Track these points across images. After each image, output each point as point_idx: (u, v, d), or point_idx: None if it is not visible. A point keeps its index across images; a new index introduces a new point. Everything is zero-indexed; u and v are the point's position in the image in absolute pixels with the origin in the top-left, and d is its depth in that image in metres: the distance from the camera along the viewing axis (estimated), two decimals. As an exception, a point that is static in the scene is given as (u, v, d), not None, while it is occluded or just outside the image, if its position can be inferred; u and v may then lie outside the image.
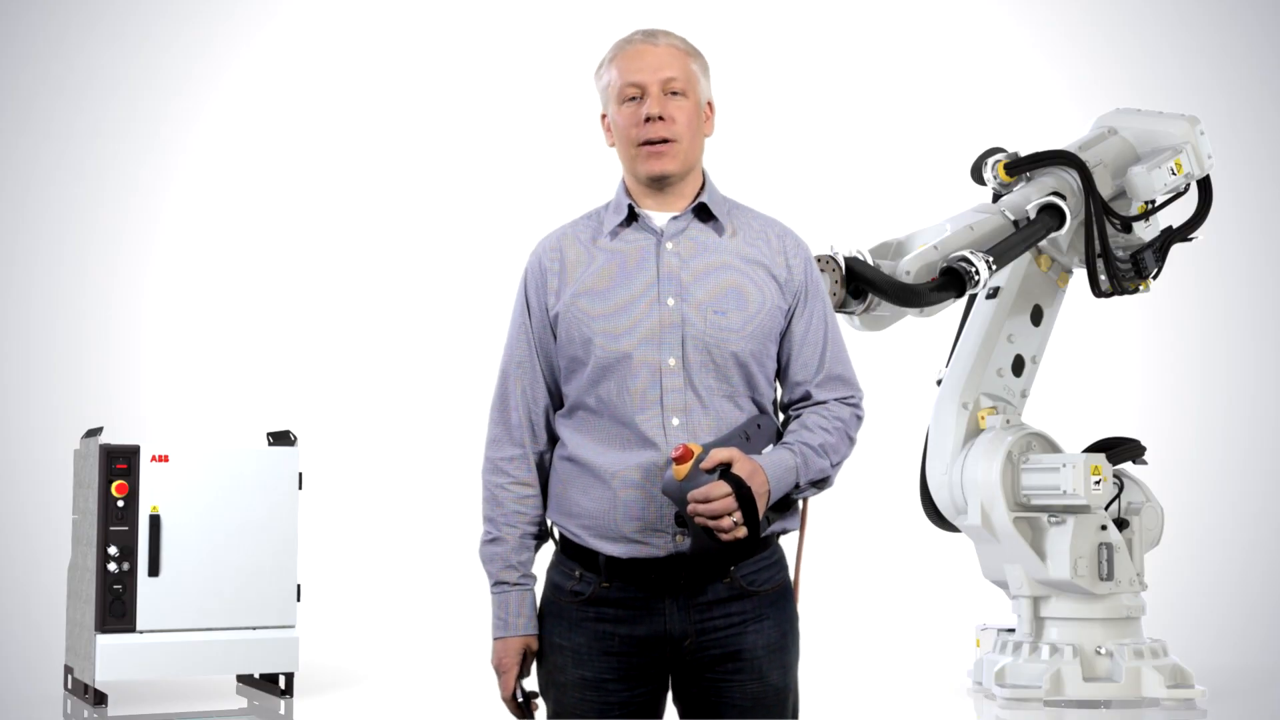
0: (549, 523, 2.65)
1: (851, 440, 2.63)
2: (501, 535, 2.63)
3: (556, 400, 2.65)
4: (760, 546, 2.58)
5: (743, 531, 2.42)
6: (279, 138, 9.73)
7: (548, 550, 2.68)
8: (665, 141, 2.56)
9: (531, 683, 2.65)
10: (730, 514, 2.40)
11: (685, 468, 2.41)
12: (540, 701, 2.64)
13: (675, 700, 2.63)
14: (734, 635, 2.55)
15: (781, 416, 2.69)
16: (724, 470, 2.43)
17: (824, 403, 2.63)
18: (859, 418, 2.65)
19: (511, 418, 2.65)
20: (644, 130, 2.56)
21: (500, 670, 2.61)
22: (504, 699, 2.62)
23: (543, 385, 2.64)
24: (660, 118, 2.55)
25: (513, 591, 2.62)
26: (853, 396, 2.66)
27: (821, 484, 2.60)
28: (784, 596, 2.62)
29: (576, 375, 2.58)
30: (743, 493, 2.41)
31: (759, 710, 2.55)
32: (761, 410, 2.60)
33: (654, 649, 2.55)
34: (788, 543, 2.69)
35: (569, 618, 2.59)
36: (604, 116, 2.66)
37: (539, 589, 2.67)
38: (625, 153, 2.61)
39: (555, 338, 2.61)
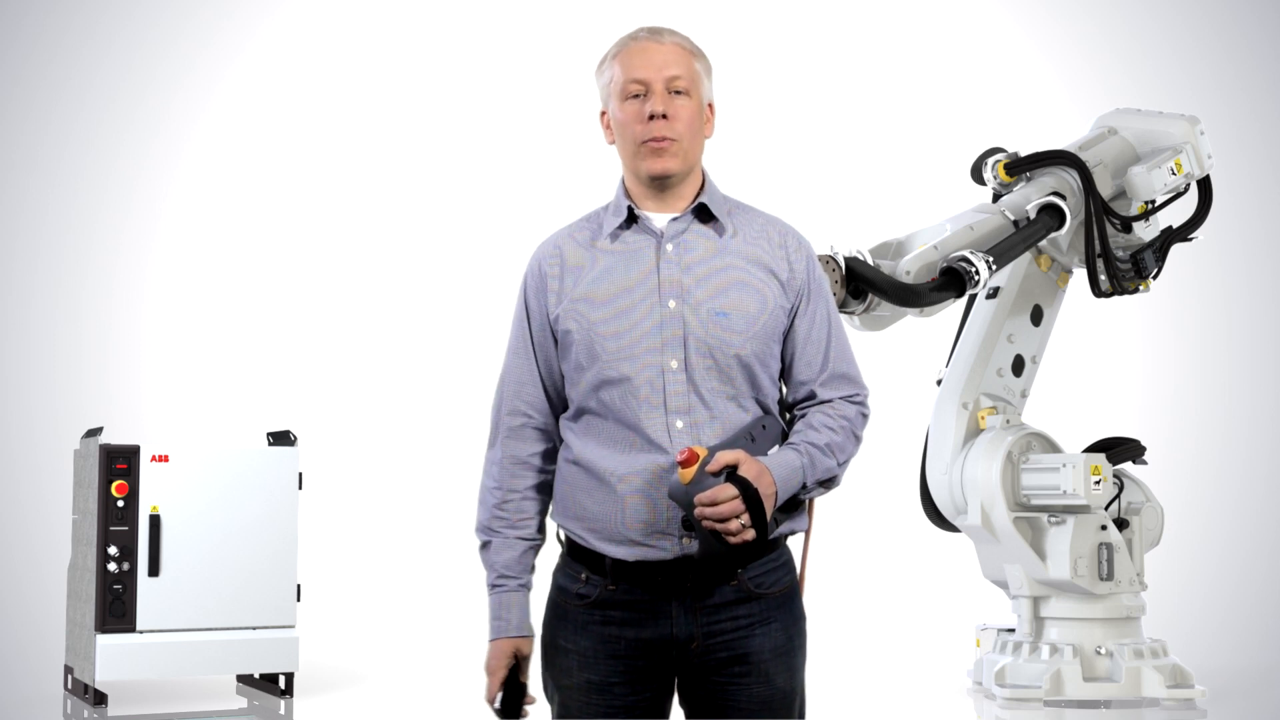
0: (556, 525, 2.65)
1: (857, 439, 2.62)
2: (490, 539, 2.64)
3: (557, 404, 2.65)
4: (768, 548, 2.56)
5: (751, 534, 2.41)
6: (279, 138, 9.73)
7: (553, 553, 2.68)
8: (667, 140, 2.55)
9: (534, 684, 2.65)
10: (738, 516, 2.39)
11: (691, 471, 2.40)
12: (531, 704, 2.62)
13: (681, 703, 2.62)
14: (741, 638, 2.54)
15: (787, 416, 2.68)
16: (730, 472, 2.42)
17: (829, 401, 2.62)
18: (864, 416, 2.64)
19: (504, 421, 2.65)
20: (647, 128, 2.54)
21: (488, 672, 2.61)
22: (486, 699, 2.61)
23: (539, 389, 2.63)
24: (664, 116, 2.54)
25: (504, 593, 2.61)
26: (858, 394, 2.64)
27: (829, 483, 2.59)
28: (791, 599, 2.61)
29: (579, 379, 2.57)
30: (750, 495, 2.40)
31: (766, 713, 2.54)
32: (766, 411, 2.58)
33: (660, 652, 2.54)
34: (795, 544, 2.68)
35: (575, 620, 2.58)
36: (604, 114, 2.65)
37: (545, 592, 2.66)
38: (626, 151, 2.60)
39: (556, 342, 2.60)
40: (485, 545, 2.64)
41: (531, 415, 2.64)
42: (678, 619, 2.53)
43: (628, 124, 2.57)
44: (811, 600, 2.71)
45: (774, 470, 2.46)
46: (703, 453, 2.42)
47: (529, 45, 9.77)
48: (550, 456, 2.65)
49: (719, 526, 2.40)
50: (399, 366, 9.57)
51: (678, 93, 2.56)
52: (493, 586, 2.62)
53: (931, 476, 6.56)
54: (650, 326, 2.53)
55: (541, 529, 2.66)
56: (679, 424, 2.51)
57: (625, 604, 2.54)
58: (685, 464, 2.40)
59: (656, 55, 2.56)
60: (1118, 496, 6.48)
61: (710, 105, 2.64)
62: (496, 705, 2.59)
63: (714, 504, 2.39)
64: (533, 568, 2.65)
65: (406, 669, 7.38)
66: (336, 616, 7.98)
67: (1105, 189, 6.38)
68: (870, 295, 5.74)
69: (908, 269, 5.76)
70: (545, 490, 2.65)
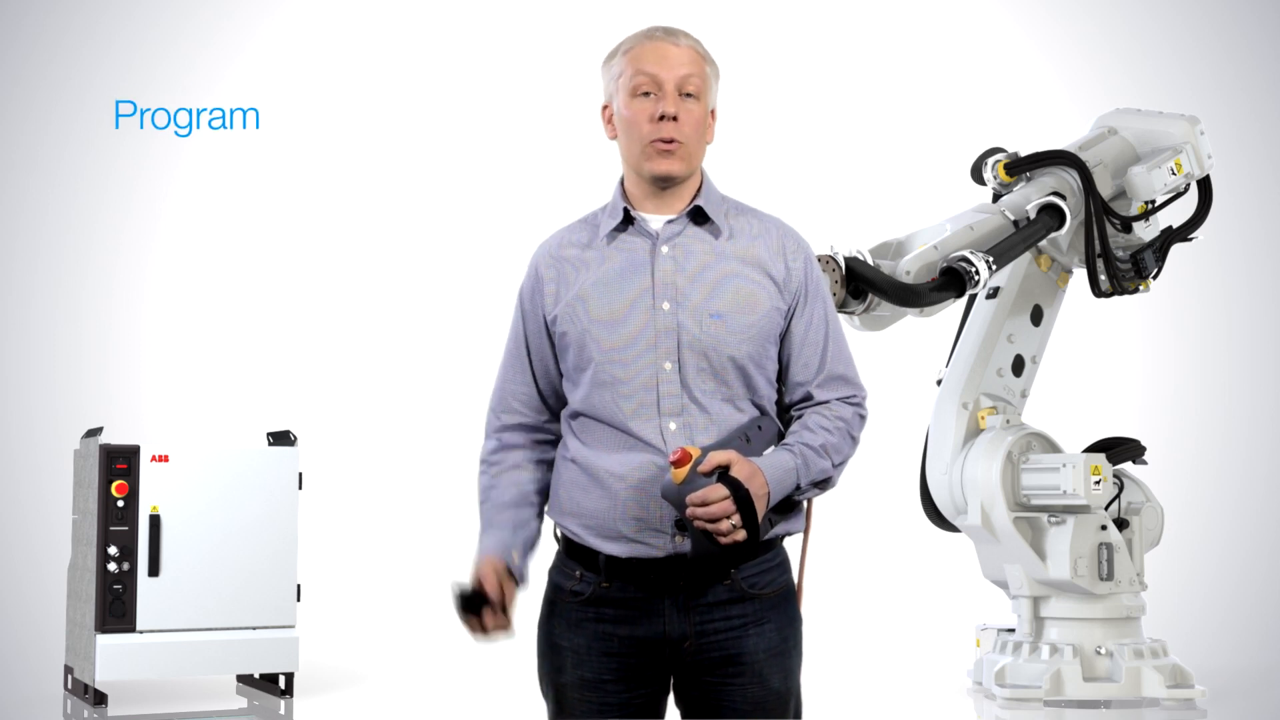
0: (553, 524, 2.65)
1: (854, 440, 2.62)
2: (485, 512, 2.63)
3: (554, 404, 2.66)
4: (763, 549, 2.57)
5: (741, 534, 2.42)
6: (280, 138, 9.72)
7: (549, 550, 2.68)
8: (675, 142, 2.55)
9: (529, 679, 2.65)
10: (728, 517, 2.40)
11: (683, 471, 2.41)
12: (504, 629, 2.50)
13: (677, 702, 2.63)
14: (734, 638, 2.54)
15: (785, 418, 2.68)
16: (722, 473, 2.42)
17: (826, 403, 2.62)
18: (862, 417, 2.64)
19: (499, 420, 2.68)
20: (656, 128, 2.54)
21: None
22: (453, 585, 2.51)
23: (532, 389, 2.65)
24: (674, 118, 2.54)
25: (489, 529, 2.60)
26: (855, 396, 2.64)
27: (823, 485, 2.59)
28: (786, 600, 2.61)
29: (576, 380, 2.58)
30: (741, 495, 2.40)
31: (760, 714, 2.55)
32: (763, 412, 2.59)
33: (653, 650, 2.55)
34: (792, 545, 2.68)
35: (569, 618, 2.58)
36: (605, 108, 2.64)
37: (540, 588, 2.66)
38: (630, 148, 2.59)
39: (554, 343, 2.61)
40: (482, 524, 2.66)
41: (524, 415, 2.65)
42: (670, 617, 2.53)
43: (636, 121, 2.56)
44: (811, 600, 2.71)
45: (767, 471, 2.46)
46: (696, 453, 2.42)
47: (529, 45, 9.77)
48: (543, 457, 2.66)
49: (709, 526, 2.40)
50: (399, 366, 9.56)
51: (688, 95, 2.56)
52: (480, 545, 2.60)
53: (931, 476, 6.56)
54: (644, 328, 2.53)
55: (538, 527, 2.66)
56: (672, 426, 2.51)
57: (618, 601, 2.55)
58: (678, 464, 2.41)
59: (672, 55, 2.56)
60: (1118, 496, 6.48)
61: (713, 112, 2.64)
62: (463, 591, 2.48)
63: (704, 504, 2.39)
64: (525, 554, 2.61)
65: (406, 669, 7.38)
66: (336, 616, 7.98)
67: (1105, 189, 6.38)
68: (870, 295, 5.74)
69: (908, 269, 5.76)
70: (541, 487, 2.66)
